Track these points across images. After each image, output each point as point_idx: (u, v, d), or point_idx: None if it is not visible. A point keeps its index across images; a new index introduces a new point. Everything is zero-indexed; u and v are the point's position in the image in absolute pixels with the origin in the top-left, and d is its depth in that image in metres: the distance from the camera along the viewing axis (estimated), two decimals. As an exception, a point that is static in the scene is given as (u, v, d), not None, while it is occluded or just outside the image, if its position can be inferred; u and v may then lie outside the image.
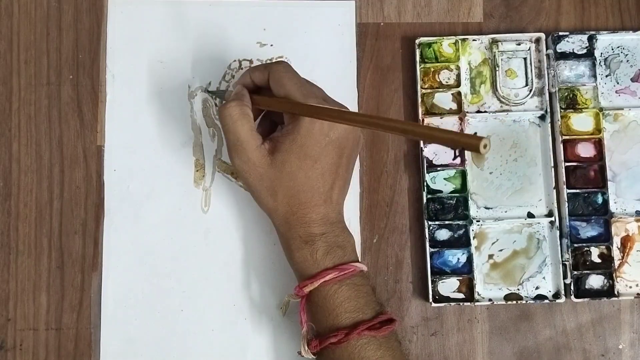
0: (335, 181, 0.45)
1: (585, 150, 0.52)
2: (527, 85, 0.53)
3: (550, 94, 0.52)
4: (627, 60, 0.53)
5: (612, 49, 0.53)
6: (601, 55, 0.53)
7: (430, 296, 0.50)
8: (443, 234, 0.51)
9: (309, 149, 0.43)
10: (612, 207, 0.51)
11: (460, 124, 0.52)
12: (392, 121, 0.39)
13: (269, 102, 0.45)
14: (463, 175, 0.52)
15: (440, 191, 0.52)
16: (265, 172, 0.44)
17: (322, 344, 0.42)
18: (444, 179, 0.52)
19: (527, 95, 0.52)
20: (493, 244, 0.52)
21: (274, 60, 0.52)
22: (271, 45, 0.53)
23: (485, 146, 0.32)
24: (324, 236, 0.44)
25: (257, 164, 0.44)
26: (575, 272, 0.50)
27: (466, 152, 0.51)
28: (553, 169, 0.51)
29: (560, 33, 0.53)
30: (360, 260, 0.45)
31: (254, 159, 0.44)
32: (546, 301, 0.51)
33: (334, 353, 0.42)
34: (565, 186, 0.51)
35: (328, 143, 0.44)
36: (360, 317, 0.42)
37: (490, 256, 0.52)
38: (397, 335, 0.44)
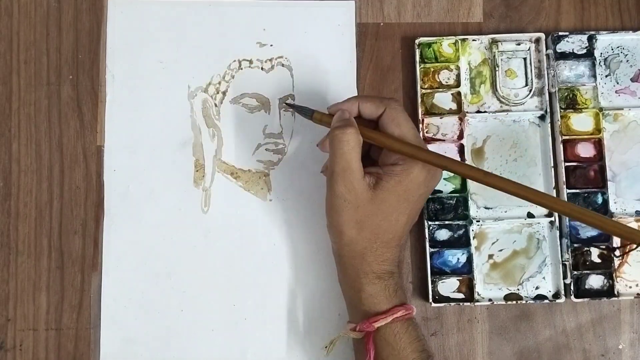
0: (411, 225, 0.46)
1: (585, 150, 0.52)
2: (527, 85, 0.53)
3: (550, 94, 0.52)
4: (627, 60, 0.53)
5: (612, 49, 0.53)
6: (601, 55, 0.53)
7: (430, 296, 0.50)
8: (443, 234, 0.51)
9: (411, 195, 0.44)
10: (612, 207, 0.51)
11: (460, 124, 0.52)
12: (542, 196, 0.42)
13: (384, 139, 0.44)
14: (463, 175, 0.52)
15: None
16: (362, 205, 0.43)
17: None
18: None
19: (527, 95, 0.52)
20: (493, 244, 0.52)
21: (355, 94, 0.51)
22: (271, 45, 0.53)
23: None
24: (393, 275, 0.45)
25: (359, 195, 0.43)
26: (575, 272, 0.50)
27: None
28: (553, 169, 0.51)
29: (560, 33, 0.53)
30: None
31: (358, 189, 0.43)
32: (546, 301, 0.51)
33: None
34: (565, 186, 0.51)
35: (425, 192, 0.45)
36: (426, 357, 0.43)
37: (490, 256, 0.52)
38: None
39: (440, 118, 0.52)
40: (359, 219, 0.44)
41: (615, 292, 0.50)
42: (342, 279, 0.46)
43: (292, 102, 0.52)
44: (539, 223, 0.52)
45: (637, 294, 0.51)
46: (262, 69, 0.53)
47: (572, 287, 0.50)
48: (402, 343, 0.43)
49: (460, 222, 0.51)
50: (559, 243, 0.51)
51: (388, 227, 0.44)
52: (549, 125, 0.52)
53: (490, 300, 0.51)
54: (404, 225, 0.45)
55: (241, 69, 0.53)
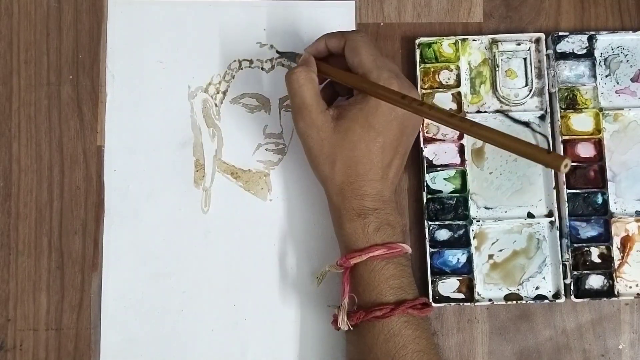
0: (394, 159, 0.45)
1: (585, 150, 0.52)
2: (527, 85, 0.53)
3: (550, 94, 0.52)
4: (627, 61, 0.53)
5: (612, 49, 0.53)
6: (601, 56, 0.53)
7: (430, 296, 0.50)
8: (443, 234, 0.51)
9: (375, 121, 0.44)
10: (612, 207, 0.51)
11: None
12: (466, 122, 0.38)
13: (336, 73, 0.46)
14: (463, 175, 0.52)
15: (440, 191, 0.52)
16: (327, 138, 0.44)
17: (366, 316, 0.43)
18: (444, 179, 0.52)
19: (527, 95, 0.52)
20: (493, 244, 0.52)
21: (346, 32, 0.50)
22: (271, 45, 0.53)
23: (565, 166, 0.34)
24: (376, 212, 0.44)
25: (321, 127, 0.44)
26: (575, 272, 0.50)
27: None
28: (553, 169, 0.51)
29: (560, 33, 0.53)
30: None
31: (318, 122, 0.44)
32: (546, 301, 0.51)
33: (373, 327, 0.43)
34: (565, 186, 0.51)
35: (394, 118, 0.44)
36: (404, 296, 0.43)
37: (490, 256, 0.52)
38: (430, 322, 0.45)
39: (440, 118, 0.52)
40: (328, 152, 0.44)
41: (615, 292, 0.50)
42: (332, 218, 0.47)
43: (279, 50, 0.53)
44: (539, 223, 0.52)
45: (637, 294, 0.51)
46: (262, 69, 0.53)
47: (572, 287, 0.50)
48: (377, 280, 0.43)
49: (460, 222, 0.51)
50: (559, 243, 0.51)
51: (360, 157, 0.44)
52: (549, 125, 0.52)
53: (490, 300, 0.51)
54: (378, 154, 0.44)
55: (241, 69, 0.53)
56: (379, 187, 0.45)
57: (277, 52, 0.53)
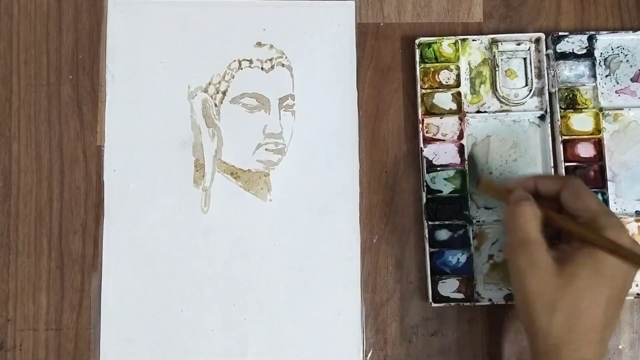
0: (615, 316, 0.41)
1: (585, 150, 0.52)
2: (527, 85, 0.53)
3: (550, 94, 0.52)
4: (627, 60, 0.53)
5: (612, 49, 0.53)
6: (601, 55, 0.53)
7: (430, 296, 0.50)
8: (443, 234, 0.51)
9: (605, 267, 0.40)
10: (612, 207, 0.51)
11: (460, 124, 0.52)
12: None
13: (560, 219, 0.43)
14: (463, 175, 0.52)
15: (440, 191, 0.52)
16: (549, 281, 0.40)
17: None
18: (444, 179, 0.52)
19: (527, 95, 0.52)
20: (493, 244, 0.52)
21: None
22: (271, 45, 0.53)
23: None
24: None
25: (544, 267, 0.40)
26: (575, 272, 0.50)
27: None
28: (553, 169, 0.51)
29: (560, 33, 0.53)
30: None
31: (541, 261, 0.41)
32: (546, 301, 0.50)
33: None
34: (565, 186, 0.51)
35: (623, 272, 0.40)
36: None
37: (490, 256, 0.52)
38: None
39: (440, 118, 0.52)
40: (548, 297, 0.40)
41: (615, 292, 0.50)
42: None
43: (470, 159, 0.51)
44: (539, 223, 0.52)
45: (637, 294, 0.51)
46: (262, 69, 0.53)
47: (572, 287, 0.50)
48: None
49: (460, 222, 0.51)
50: (559, 243, 0.51)
51: (583, 309, 0.39)
52: (549, 125, 0.52)
53: (490, 300, 0.51)
54: (603, 307, 0.39)
55: (241, 68, 0.53)
56: (596, 352, 0.39)
57: (469, 156, 0.51)
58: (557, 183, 0.44)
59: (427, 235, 0.51)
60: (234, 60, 0.53)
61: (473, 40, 0.53)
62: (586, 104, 0.52)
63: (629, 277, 0.41)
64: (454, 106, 0.52)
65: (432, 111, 0.52)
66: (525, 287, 0.41)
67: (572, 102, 0.52)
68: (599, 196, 0.51)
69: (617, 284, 0.40)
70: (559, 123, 0.52)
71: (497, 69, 0.52)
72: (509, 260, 0.43)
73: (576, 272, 0.40)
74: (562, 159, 0.51)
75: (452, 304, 0.50)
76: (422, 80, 0.52)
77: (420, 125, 0.52)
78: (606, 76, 0.53)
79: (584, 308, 0.39)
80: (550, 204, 0.44)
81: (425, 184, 0.51)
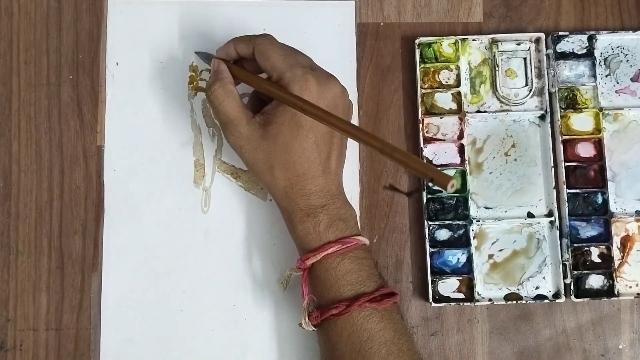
0: (331, 151, 0.45)
1: (585, 150, 0.52)
2: (527, 85, 0.53)
3: (550, 93, 0.52)
4: (627, 60, 0.53)
5: (612, 49, 0.53)
6: (601, 55, 0.53)
7: (430, 296, 0.50)
8: (443, 234, 0.51)
9: (301, 119, 0.43)
10: (612, 207, 0.51)
11: (460, 124, 0.52)
12: (371, 137, 0.39)
13: (250, 78, 0.45)
14: (463, 175, 0.52)
15: (440, 191, 0.52)
16: (259, 146, 0.44)
17: (322, 316, 0.43)
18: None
19: (527, 95, 0.52)
20: (493, 244, 0.52)
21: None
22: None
23: (452, 186, 0.35)
24: (325, 208, 0.44)
25: (250, 137, 0.44)
26: (575, 272, 0.50)
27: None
28: (553, 169, 0.51)
29: (560, 33, 0.53)
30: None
31: (245, 133, 0.44)
32: (546, 301, 0.51)
33: (335, 325, 0.43)
34: (565, 186, 0.51)
35: None
36: (362, 290, 0.43)
37: (490, 256, 0.52)
38: (399, 309, 0.45)
39: (440, 118, 0.52)
40: (264, 159, 0.44)
41: (615, 292, 0.50)
42: (285, 223, 0.46)
43: (198, 50, 0.52)
44: (539, 223, 0.52)
45: (637, 294, 0.51)
46: (262, 69, 0.53)
47: (572, 287, 0.50)
48: (334, 278, 0.43)
49: (460, 222, 0.51)
50: (559, 243, 0.51)
51: (296, 157, 0.44)
52: (549, 125, 0.52)
53: (490, 300, 0.51)
54: (314, 151, 0.44)
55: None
56: (322, 183, 0.44)
57: (195, 52, 0.52)
58: (249, 45, 0.45)
59: (427, 235, 0.51)
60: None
61: (473, 40, 0.53)
62: (586, 104, 0.52)
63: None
64: (454, 106, 0.52)
65: (432, 111, 0.52)
66: (244, 158, 0.45)
67: (572, 102, 0.52)
68: (599, 196, 0.51)
69: (318, 128, 0.44)
70: (559, 123, 0.52)
71: (497, 68, 0.52)
72: (225, 139, 0.46)
73: (279, 131, 0.44)
74: (562, 158, 0.51)
75: (452, 304, 0.50)
76: (422, 80, 0.52)
77: (420, 125, 0.52)
78: (606, 76, 0.53)
79: (296, 156, 0.44)
80: (255, 64, 0.46)
81: (425, 184, 0.51)
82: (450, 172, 0.52)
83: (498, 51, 0.53)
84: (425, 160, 0.51)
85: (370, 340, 0.42)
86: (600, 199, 0.51)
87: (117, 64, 0.53)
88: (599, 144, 0.52)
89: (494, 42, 0.53)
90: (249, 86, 0.47)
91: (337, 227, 0.44)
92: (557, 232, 0.51)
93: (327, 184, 0.45)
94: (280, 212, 0.47)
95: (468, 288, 0.51)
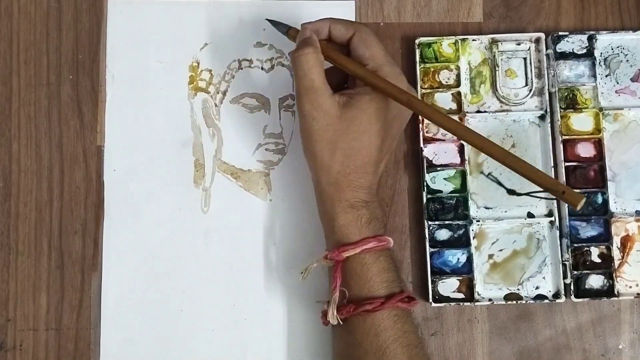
0: (387, 154, 0.46)
1: (585, 150, 0.52)
2: (527, 85, 0.53)
3: (550, 93, 0.52)
4: (627, 60, 0.53)
5: (612, 49, 0.53)
6: (601, 55, 0.53)
7: (430, 296, 0.50)
8: (443, 234, 0.51)
9: (382, 115, 0.44)
10: (612, 207, 0.51)
11: (460, 124, 0.52)
12: (466, 129, 0.41)
13: (344, 60, 0.45)
14: (463, 175, 0.52)
15: (440, 191, 0.52)
16: (332, 123, 0.43)
17: (356, 310, 0.42)
18: (444, 179, 0.52)
19: (527, 95, 0.52)
20: (493, 244, 0.52)
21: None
22: (271, 45, 0.53)
23: (581, 204, 0.37)
24: (368, 205, 0.44)
25: (328, 112, 0.43)
26: (575, 272, 0.50)
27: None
28: (553, 169, 0.51)
29: (560, 33, 0.53)
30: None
31: (325, 106, 0.43)
32: (546, 301, 0.51)
33: (364, 322, 0.42)
34: (565, 186, 0.51)
35: (397, 114, 0.44)
36: (394, 290, 0.43)
37: (490, 256, 0.52)
38: (413, 317, 0.45)
39: (440, 118, 0.52)
40: (330, 138, 0.43)
41: (615, 292, 0.50)
42: (320, 208, 0.46)
43: (271, 19, 0.51)
44: (539, 223, 0.52)
45: (637, 294, 0.51)
46: (262, 68, 0.53)
47: (572, 287, 0.50)
48: (370, 274, 0.43)
49: (460, 222, 0.51)
50: (559, 243, 0.51)
51: (361, 148, 0.44)
52: (549, 125, 0.52)
53: (490, 300, 0.51)
54: (378, 147, 0.44)
55: (241, 68, 0.53)
56: (372, 181, 0.45)
57: (268, 20, 0.50)
58: (349, 29, 0.45)
59: (427, 235, 0.51)
60: (234, 60, 0.53)
61: (473, 40, 0.53)
62: (586, 104, 0.52)
63: (399, 123, 0.46)
64: (454, 106, 0.52)
65: (432, 111, 0.52)
66: (311, 129, 0.44)
67: (572, 102, 0.52)
68: (599, 196, 0.51)
69: (391, 128, 0.45)
70: (559, 123, 0.52)
71: (497, 68, 0.52)
72: (297, 107, 0.45)
73: (356, 116, 0.43)
74: (562, 158, 0.51)
75: (452, 304, 0.50)
76: (422, 80, 0.52)
77: (421, 125, 0.52)
78: (606, 76, 0.53)
79: (360, 148, 0.44)
80: (342, 49, 0.46)
81: (425, 183, 0.51)
82: (450, 172, 0.52)
83: (498, 51, 0.53)
84: (425, 161, 0.51)
85: (396, 341, 0.42)
86: (600, 199, 0.51)
87: (117, 63, 0.53)
88: (599, 144, 0.52)
89: (494, 42, 0.53)
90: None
91: (375, 225, 0.44)
92: (557, 232, 0.51)
93: (374, 182, 0.45)
94: (318, 197, 0.46)
95: (468, 288, 0.51)
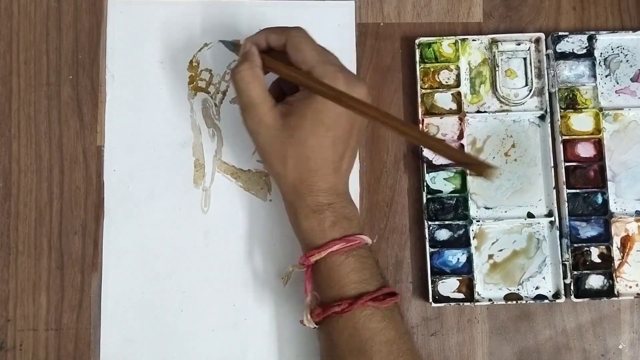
0: (346, 151, 0.45)
1: (585, 150, 0.52)
2: (527, 85, 0.53)
3: (550, 94, 0.52)
4: (627, 60, 0.53)
5: (612, 49, 0.53)
6: (601, 55, 0.53)
7: (430, 296, 0.50)
8: (443, 234, 0.51)
9: (324, 116, 0.43)
10: (612, 207, 0.51)
11: (460, 124, 0.52)
12: (409, 127, 0.40)
13: (281, 68, 0.45)
14: (463, 175, 0.52)
15: (440, 191, 0.52)
16: (276, 135, 0.44)
17: (325, 313, 0.43)
18: (444, 179, 0.52)
19: (527, 95, 0.52)
20: (493, 244, 0.52)
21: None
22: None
23: (492, 174, 0.36)
24: (331, 206, 0.44)
25: (269, 125, 0.44)
26: (575, 272, 0.50)
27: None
28: (553, 169, 0.51)
29: (560, 33, 0.53)
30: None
31: (266, 120, 0.44)
32: (546, 301, 0.51)
33: (337, 323, 0.43)
34: (565, 186, 0.51)
35: (343, 112, 0.43)
36: (365, 289, 0.43)
37: (490, 256, 0.52)
38: (399, 309, 0.45)
39: (440, 118, 0.52)
40: (278, 150, 0.44)
41: (615, 292, 0.50)
42: (288, 217, 0.46)
43: (223, 39, 0.50)
44: (539, 223, 0.52)
45: (637, 294, 0.51)
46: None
47: (572, 287, 0.50)
48: (338, 276, 0.43)
49: (460, 222, 0.51)
50: (559, 243, 0.51)
51: (311, 153, 0.43)
52: (549, 125, 0.52)
53: (490, 300, 0.51)
54: (329, 148, 0.44)
55: (241, 69, 0.53)
56: (332, 181, 0.44)
57: (220, 40, 0.50)
58: (282, 36, 0.45)
59: (427, 235, 0.51)
60: (234, 60, 0.53)
61: (473, 40, 0.53)
62: (586, 104, 0.52)
63: (347, 120, 0.44)
64: (454, 106, 0.52)
65: (432, 111, 0.52)
66: (259, 144, 0.45)
67: (572, 102, 0.52)
68: (599, 196, 0.51)
69: (339, 127, 0.44)
70: (559, 123, 0.52)
71: (497, 69, 0.52)
72: (243, 122, 0.45)
73: (298, 124, 0.43)
74: (562, 159, 0.51)
75: (452, 304, 0.50)
76: (422, 80, 0.52)
77: (420, 125, 0.52)
78: (606, 76, 0.53)
79: (310, 152, 0.43)
80: (285, 57, 0.45)
81: (425, 184, 0.51)
82: (450, 172, 0.52)
83: (498, 51, 0.53)
84: (425, 161, 0.51)
85: (372, 339, 0.42)
86: (600, 199, 0.51)
87: (117, 63, 0.53)
88: (599, 144, 0.52)
89: (494, 42, 0.53)
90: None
91: (341, 226, 0.44)
92: (557, 232, 0.51)
93: (336, 182, 0.45)
94: (285, 206, 0.46)
95: (468, 288, 0.51)
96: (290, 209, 0.46)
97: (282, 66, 0.45)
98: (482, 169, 0.37)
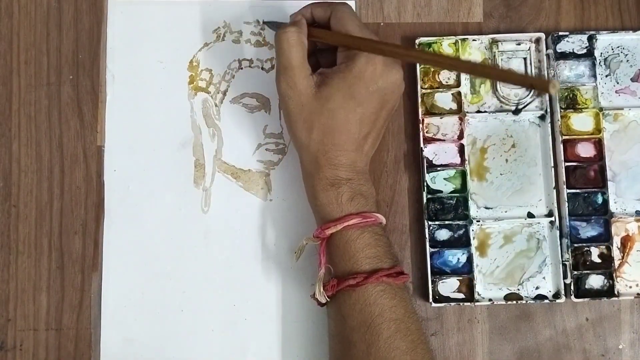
0: (371, 131, 0.46)
1: (585, 150, 0.52)
2: (527, 85, 0.53)
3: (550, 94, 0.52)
4: (627, 60, 0.53)
5: (612, 49, 0.53)
6: (601, 55, 0.53)
7: (430, 296, 0.50)
8: (443, 234, 0.51)
9: (356, 91, 0.44)
10: (612, 207, 0.51)
11: (460, 124, 0.52)
12: (458, 61, 0.42)
13: (327, 35, 0.46)
14: (463, 175, 0.52)
15: (440, 191, 0.52)
16: (307, 103, 0.44)
17: (339, 286, 0.43)
18: (444, 179, 0.52)
19: (527, 95, 0.52)
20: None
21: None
22: (271, 45, 0.53)
23: (554, 86, 0.36)
24: (349, 182, 0.45)
25: (303, 91, 0.44)
26: (575, 272, 0.50)
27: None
28: (553, 169, 0.51)
29: (560, 33, 0.53)
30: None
31: (300, 86, 0.44)
32: (546, 301, 0.51)
33: (349, 297, 0.43)
34: (565, 186, 0.51)
35: (375, 90, 0.44)
36: (379, 265, 0.43)
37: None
38: (409, 290, 0.45)
39: (441, 118, 0.52)
40: (306, 117, 0.44)
41: (615, 292, 0.50)
42: (305, 188, 0.47)
43: (267, 20, 0.52)
44: (539, 223, 0.52)
45: (637, 294, 0.51)
46: (262, 68, 0.53)
47: (572, 287, 0.50)
48: (353, 250, 0.43)
49: (460, 222, 0.51)
50: (559, 243, 0.51)
51: (337, 126, 0.44)
52: (549, 125, 0.52)
53: (490, 300, 0.51)
54: (356, 125, 0.45)
55: (241, 68, 0.53)
56: (353, 158, 0.45)
57: (263, 21, 0.52)
58: (327, 10, 0.46)
59: (427, 235, 0.51)
60: (234, 60, 0.53)
61: (473, 40, 0.53)
62: (586, 104, 0.52)
63: (378, 100, 0.45)
64: (454, 106, 0.52)
65: (432, 111, 0.52)
66: (287, 108, 0.45)
67: (572, 102, 0.52)
68: (599, 196, 0.51)
69: (369, 105, 0.45)
70: (559, 123, 0.52)
71: (497, 69, 0.52)
72: (276, 84, 0.46)
73: (330, 95, 0.44)
74: (562, 158, 0.51)
75: (452, 304, 0.50)
76: (422, 80, 0.52)
77: (421, 125, 0.52)
78: (606, 76, 0.53)
79: (337, 125, 0.44)
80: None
81: (425, 184, 0.51)
82: (450, 172, 0.52)
83: (498, 51, 0.53)
84: (425, 161, 0.51)
85: (381, 315, 0.42)
86: (600, 199, 0.51)
87: (117, 63, 0.53)
88: (599, 144, 0.52)
89: (494, 42, 0.53)
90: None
91: (358, 201, 0.45)
92: (557, 232, 0.51)
93: (356, 160, 0.45)
94: (303, 177, 0.47)
95: (468, 288, 0.51)
96: (308, 180, 0.46)
97: (329, 33, 0.46)
98: (544, 84, 0.37)
